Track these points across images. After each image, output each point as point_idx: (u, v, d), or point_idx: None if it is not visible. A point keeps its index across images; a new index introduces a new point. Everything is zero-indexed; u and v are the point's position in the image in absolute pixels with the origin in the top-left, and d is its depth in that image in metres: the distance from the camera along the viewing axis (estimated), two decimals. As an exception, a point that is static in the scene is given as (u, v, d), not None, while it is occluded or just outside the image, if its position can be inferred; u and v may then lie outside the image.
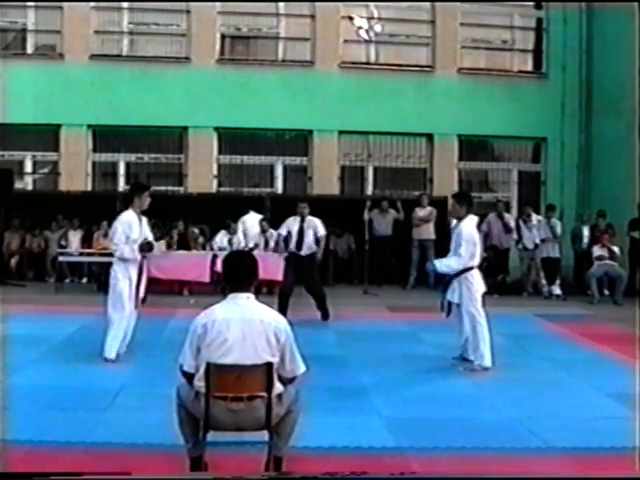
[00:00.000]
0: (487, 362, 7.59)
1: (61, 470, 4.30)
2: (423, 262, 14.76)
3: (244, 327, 4.22)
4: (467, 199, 8.02)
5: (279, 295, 10.68)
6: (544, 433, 5.55)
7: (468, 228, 7.68)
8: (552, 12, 17.28)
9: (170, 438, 4.71)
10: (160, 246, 11.52)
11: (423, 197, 15.32)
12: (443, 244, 14.67)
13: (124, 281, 7.70)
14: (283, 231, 10.94)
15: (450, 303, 7.85)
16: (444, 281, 8.14)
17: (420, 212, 14.97)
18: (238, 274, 4.40)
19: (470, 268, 7.69)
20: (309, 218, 10.85)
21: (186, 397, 4.35)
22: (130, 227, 7.71)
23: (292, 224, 10.80)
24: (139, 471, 4.43)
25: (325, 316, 10.71)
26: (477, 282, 7.75)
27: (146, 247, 7.77)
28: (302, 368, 4.41)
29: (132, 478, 4.03)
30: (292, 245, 10.76)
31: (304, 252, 10.70)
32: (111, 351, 7.69)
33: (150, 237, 7.97)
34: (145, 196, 7.84)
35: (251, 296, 4.38)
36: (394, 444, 5.27)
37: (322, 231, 10.87)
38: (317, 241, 10.84)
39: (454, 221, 8.03)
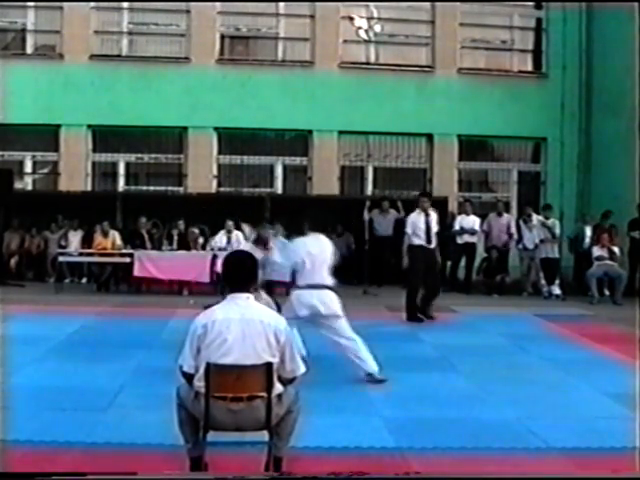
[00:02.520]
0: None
1: (61, 470, 4.30)
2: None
3: (244, 327, 4.22)
4: (310, 219, 7.59)
5: (409, 291, 10.67)
6: (544, 433, 5.54)
7: (294, 245, 7.27)
8: (552, 12, 17.29)
9: (170, 438, 4.70)
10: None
11: (425, 198, 15.27)
12: (443, 244, 14.85)
13: None
14: (409, 229, 10.78)
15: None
16: None
17: (422, 212, 14.92)
18: (238, 274, 4.40)
19: (297, 286, 7.16)
20: (432, 211, 10.86)
21: (186, 397, 4.35)
22: None
23: (417, 219, 10.72)
24: (139, 471, 4.43)
25: (421, 313, 10.69)
26: (292, 304, 7.13)
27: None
28: (302, 369, 4.41)
29: (134, 478, 4.03)
30: (420, 240, 10.62)
31: (433, 245, 10.68)
32: None
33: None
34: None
35: (251, 296, 4.38)
36: (394, 444, 5.26)
37: (436, 227, 10.87)
38: None
39: None
